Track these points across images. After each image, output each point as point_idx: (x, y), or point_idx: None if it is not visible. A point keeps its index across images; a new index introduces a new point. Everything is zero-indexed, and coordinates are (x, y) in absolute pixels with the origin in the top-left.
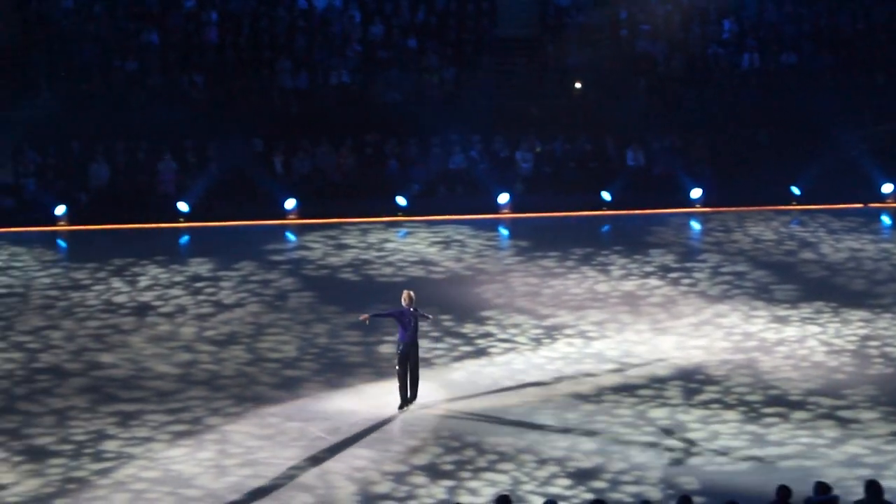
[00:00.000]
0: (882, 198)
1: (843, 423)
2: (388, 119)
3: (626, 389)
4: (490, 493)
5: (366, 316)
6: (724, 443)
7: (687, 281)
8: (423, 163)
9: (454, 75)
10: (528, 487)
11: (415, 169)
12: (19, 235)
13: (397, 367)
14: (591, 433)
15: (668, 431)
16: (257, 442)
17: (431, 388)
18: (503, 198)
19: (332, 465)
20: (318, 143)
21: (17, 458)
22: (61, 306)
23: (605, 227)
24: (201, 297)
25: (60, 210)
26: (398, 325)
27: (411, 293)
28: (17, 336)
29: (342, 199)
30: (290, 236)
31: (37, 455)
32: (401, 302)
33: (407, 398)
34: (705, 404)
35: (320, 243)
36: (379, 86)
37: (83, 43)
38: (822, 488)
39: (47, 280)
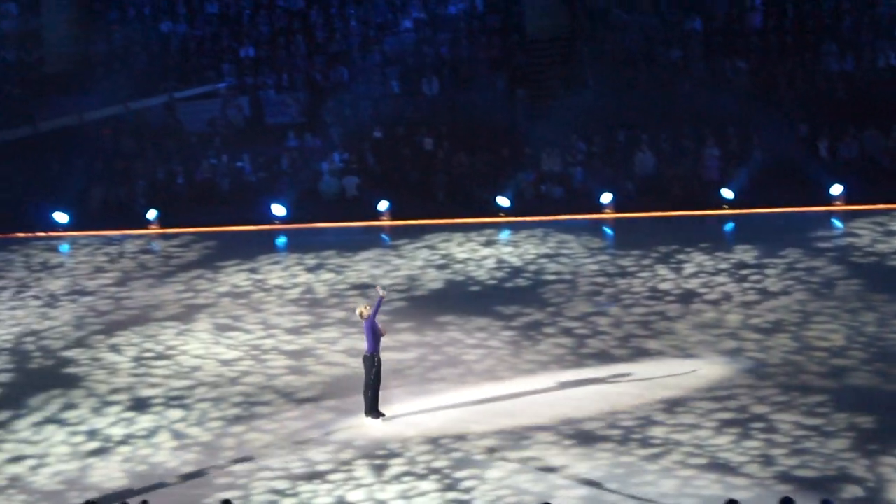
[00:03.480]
0: None
1: None
2: None
3: None
4: None
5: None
6: None
7: None
8: None
9: None
10: None
11: None
12: (567, 223)
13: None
14: None
15: None
16: (804, 431)
17: None
18: None
19: (883, 458)
20: (866, 127)
21: (567, 442)
22: (608, 293)
23: None
24: (747, 285)
25: (607, 198)
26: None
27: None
28: (565, 322)
29: (891, 184)
30: (837, 223)
31: (586, 439)
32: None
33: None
34: None
35: (868, 230)
36: None
37: (628, 32)
38: None
39: (595, 267)
